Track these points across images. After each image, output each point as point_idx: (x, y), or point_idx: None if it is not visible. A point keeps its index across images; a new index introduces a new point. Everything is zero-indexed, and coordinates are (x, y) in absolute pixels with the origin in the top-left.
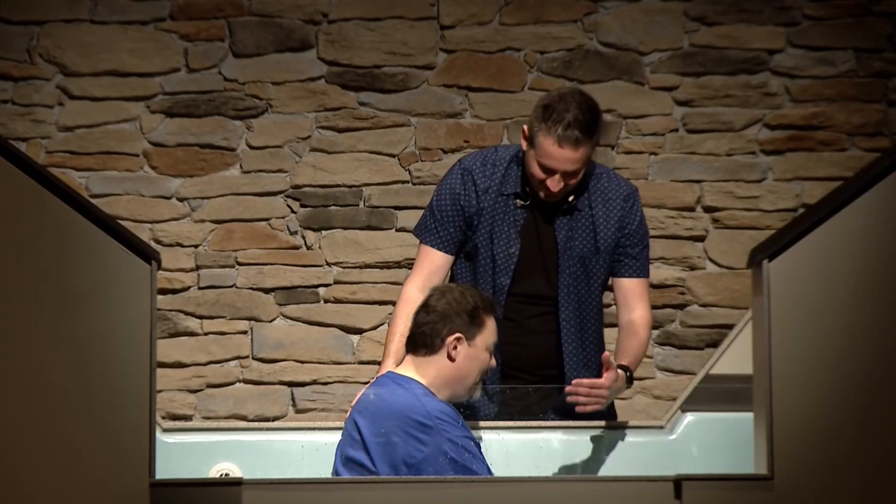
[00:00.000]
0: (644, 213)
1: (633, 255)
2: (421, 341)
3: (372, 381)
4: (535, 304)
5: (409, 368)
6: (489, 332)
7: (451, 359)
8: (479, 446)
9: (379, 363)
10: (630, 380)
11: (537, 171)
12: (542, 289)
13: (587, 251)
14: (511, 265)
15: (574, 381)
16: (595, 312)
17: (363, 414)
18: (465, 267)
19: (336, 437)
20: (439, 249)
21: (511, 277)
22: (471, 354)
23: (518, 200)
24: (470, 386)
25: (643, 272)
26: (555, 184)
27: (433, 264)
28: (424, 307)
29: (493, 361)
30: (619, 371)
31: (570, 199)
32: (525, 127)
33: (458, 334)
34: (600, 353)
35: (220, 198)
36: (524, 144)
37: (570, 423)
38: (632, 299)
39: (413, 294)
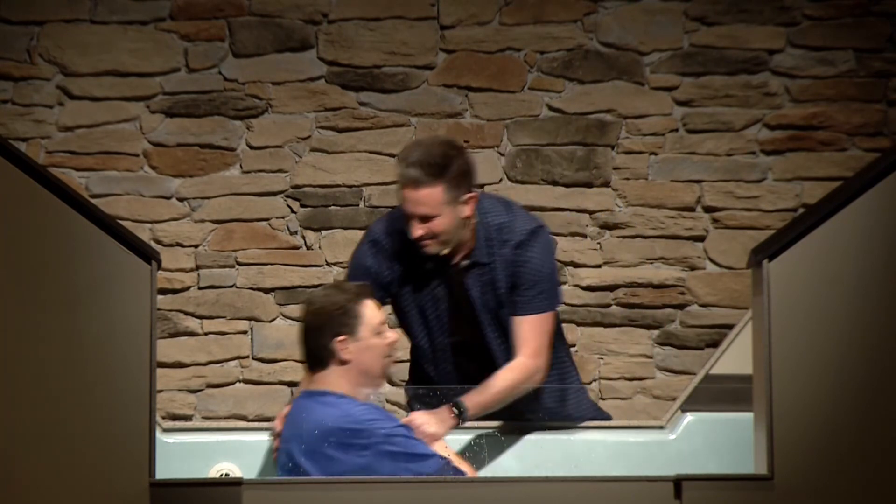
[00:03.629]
0: (543, 252)
1: (516, 293)
2: (314, 360)
3: (288, 406)
4: (474, 354)
5: (318, 385)
6: (369, 317)
7: (345, 362)
8: (410, 431)
9: None
10: (460, 416)
11: (406, 219)
12: (476, 340)
13: (493, 305)
14: (444, 323)
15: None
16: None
17: (294, 441)
18: (405, 329)
19: None
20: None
21: (447, 333)
22: (362, 347)
23: (427, 264)
24: (380, 374)
25: (523, 310)
26: (415, 229)
27: None
28: (303, 328)
29: (392, 335)
30: (446, 408)
31: (445, 250)
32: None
33: (340, 337)
34: (560, 391)
35: (220, 198)
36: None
37: (570, 423)
38: (516, 339)
39: None
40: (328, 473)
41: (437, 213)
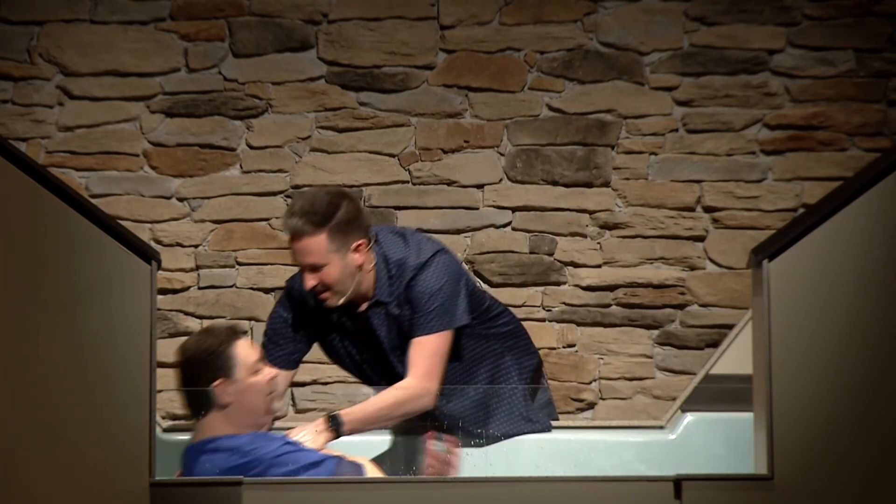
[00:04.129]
0: (435, 275)
1: (412, 318)
2: (194, 408)
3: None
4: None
5: (203, 433)
6: (244, 357)
7: (226, 405)
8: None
9: None
10: (334, 424)
11: (301, 272)
12: (393, 378)
13: (395, 344)
14: (363, 366)
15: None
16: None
17: None
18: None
19: None
20: (279, 367)
21: (371, 375)
22: (241, 388)
23: (332, 315)
24: (264, 411)
25: (416, 332)
26: (307, 280)
27: (282, 380)
28: (178, 377)
29: (269, 371)
30: (322, 420)
31: (340, 300)
32: None
33: (217, 382)
34: (483, 408)
35: (220, 198)
36: None
37: (571, 423)
38: (408, 361)
39: None
40: None
41: (325, 261)
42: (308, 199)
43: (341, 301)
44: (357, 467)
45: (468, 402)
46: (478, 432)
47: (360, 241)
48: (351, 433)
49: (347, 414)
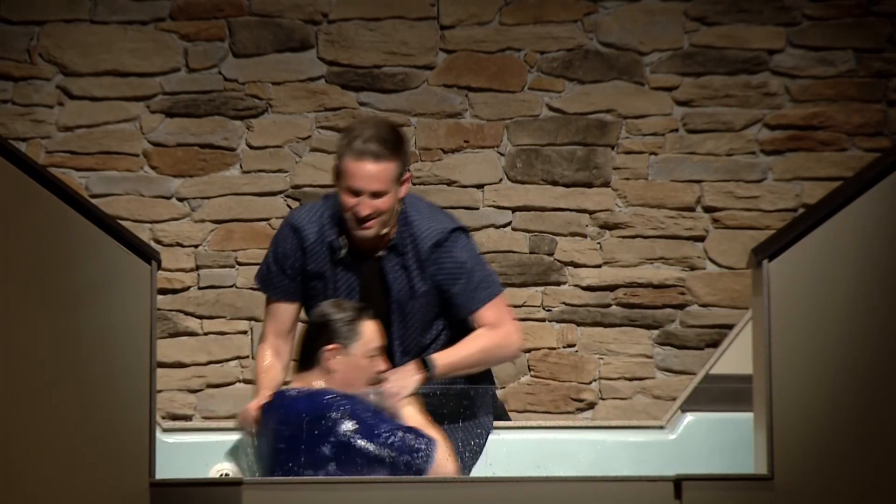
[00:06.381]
0: (464, 245)
1: (454, 295)
2: (304, 361)
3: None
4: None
5: (299, 383)
6: (367, 339)
7: (329, 371)
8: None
9: None
10: (426, 367)
11: (347, 200)
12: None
13: (403, 296)
14: None
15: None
16: (420, 352)
17: (278, 429)
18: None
19: None
20: (285, 300)
21: None
22: (350, 363)
23: (342, 251)
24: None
25: (472, 306)
26: (364, 207)
27: (282, 313)
28: (303, 331)
29: (383, 365)
30: (414, 363)
31: (385, 231)
32: (333, 164)
33: (332, 346)
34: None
35: (220, 198)
36: (335, 183)
37: (571, 423)
38: (479, 327)
39: (263, 345)
40: (315, 461)
41: (387, 189)
42: (377, 126)
43: (383, 232)
44: (429, 441)
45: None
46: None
47: (408, 174)
48: (442, 376)
49: (439, 357)
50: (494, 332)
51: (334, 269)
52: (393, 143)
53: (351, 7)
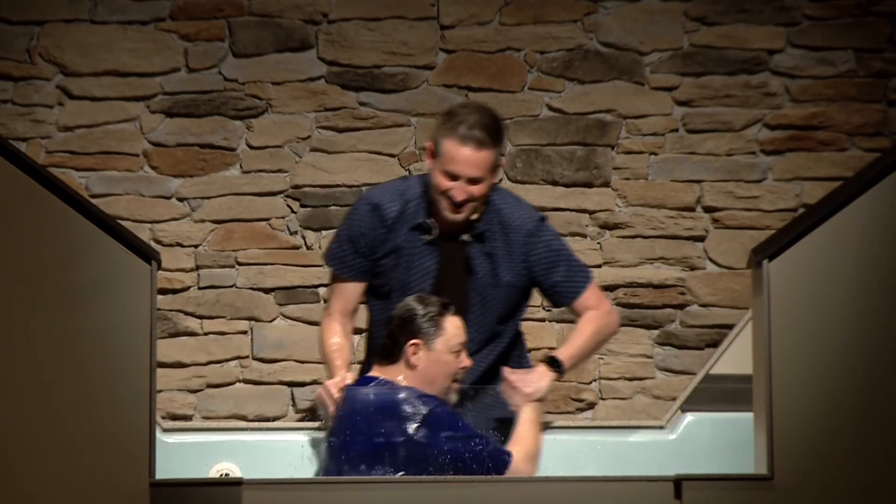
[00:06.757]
0: (553, 233)
1: (557, 283)
2: (384, 351)
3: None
4: None
5: (379, 375)
6: (451, 335)
7: (411, 366)
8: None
9: None
10: (555, 366)
11: (442, 182)
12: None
13: (486, 284)
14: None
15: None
16: (498, 343)
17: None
18: (377, 303)
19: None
20: (352, 279)
21: None
22: (432, 359)
23: (425, 235)
24: (440, 391)
25: (576, 291)
26: (460, 191)
27: (350, 292)
28: (388, 319)
29: (466, 361)
30: (540, 365)
31: (474, 216)
32: (429, 143)
33: (415, 340)
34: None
35: (220, 198)
36: (429, 162)
37: (571, 423)
38: (581, 315)
39: (330, 323)
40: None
41: (485, 176)
42: (477, 112)
43: (473, 216)
44: (505, 456)
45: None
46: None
47: (502, 161)
48: (568, 371)
49: (561, 353)
50: (599, 313)
51: (412, 249)
52: (495, 131)
53: (351, 7)
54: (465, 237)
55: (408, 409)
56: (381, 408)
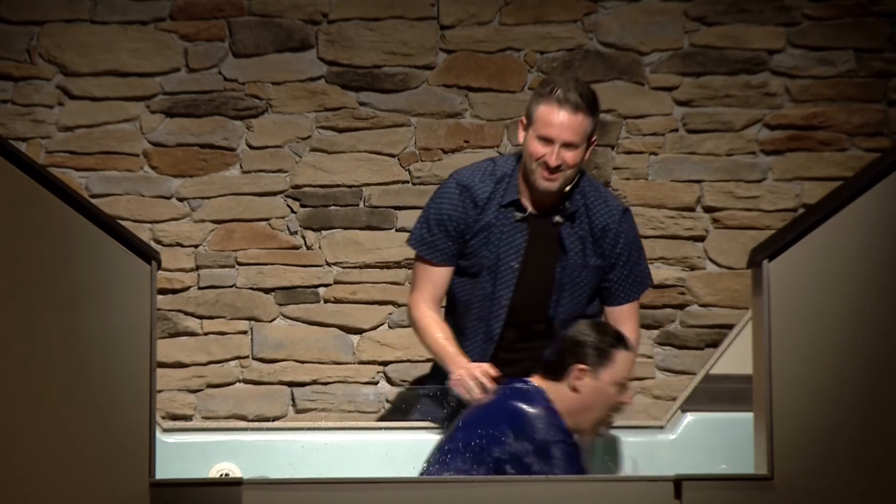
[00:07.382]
0: (635, 229)
1: (619, 281)
2: (549, 367)
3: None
4: (532, 315)
5: (542, 383)
6: (619, 368)
7: (574, 389)
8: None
9: (379, 363)
10: None
11: (537, 148)
12: (539, 301)
13: (577, 264)
14: (513, 278)
15: None
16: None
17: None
18: (462, 281)
19: (337, 437)
20: (441, 263)
21: (512, 290)
22: (596, 388)
23: (517, 213)
24: (595, 420)
25: (630, 296)
26: (553, 156)
27: (439, 278)
28: (561, 338)
29: (627, 398)
30: None
31: (567, 188)
32: (522, 118)
33: (583, 366)
34: None
35: (220, 198)
36: (521, 135)
37: None
38: (620, 323)
39: (426, 311)
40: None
41: (580, 143)
42: (574, 80)
43: (565, 188)
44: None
45: None
46: None
47: (595, 139)
48: None
49: None
50: (637, 333)
51: (502, 227)
52: (591, 100)
53: (351, 7)
54: (558, 218)
55: (538, 435)
56: (514, 419)
